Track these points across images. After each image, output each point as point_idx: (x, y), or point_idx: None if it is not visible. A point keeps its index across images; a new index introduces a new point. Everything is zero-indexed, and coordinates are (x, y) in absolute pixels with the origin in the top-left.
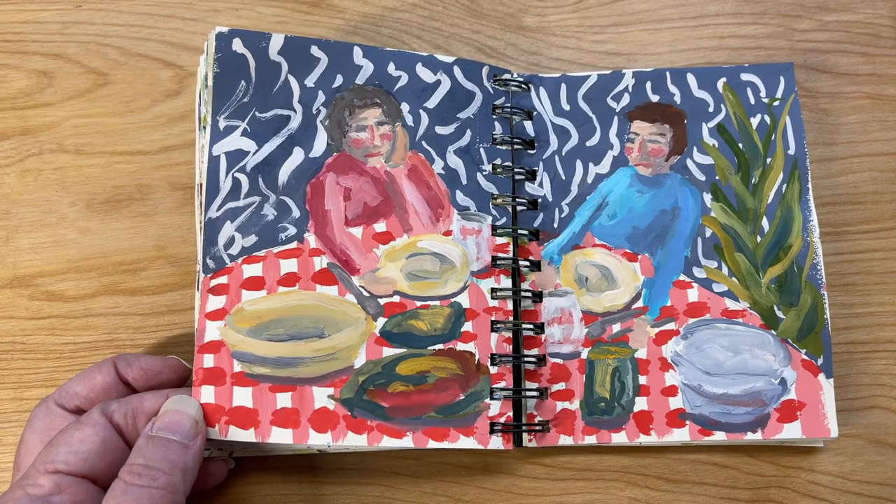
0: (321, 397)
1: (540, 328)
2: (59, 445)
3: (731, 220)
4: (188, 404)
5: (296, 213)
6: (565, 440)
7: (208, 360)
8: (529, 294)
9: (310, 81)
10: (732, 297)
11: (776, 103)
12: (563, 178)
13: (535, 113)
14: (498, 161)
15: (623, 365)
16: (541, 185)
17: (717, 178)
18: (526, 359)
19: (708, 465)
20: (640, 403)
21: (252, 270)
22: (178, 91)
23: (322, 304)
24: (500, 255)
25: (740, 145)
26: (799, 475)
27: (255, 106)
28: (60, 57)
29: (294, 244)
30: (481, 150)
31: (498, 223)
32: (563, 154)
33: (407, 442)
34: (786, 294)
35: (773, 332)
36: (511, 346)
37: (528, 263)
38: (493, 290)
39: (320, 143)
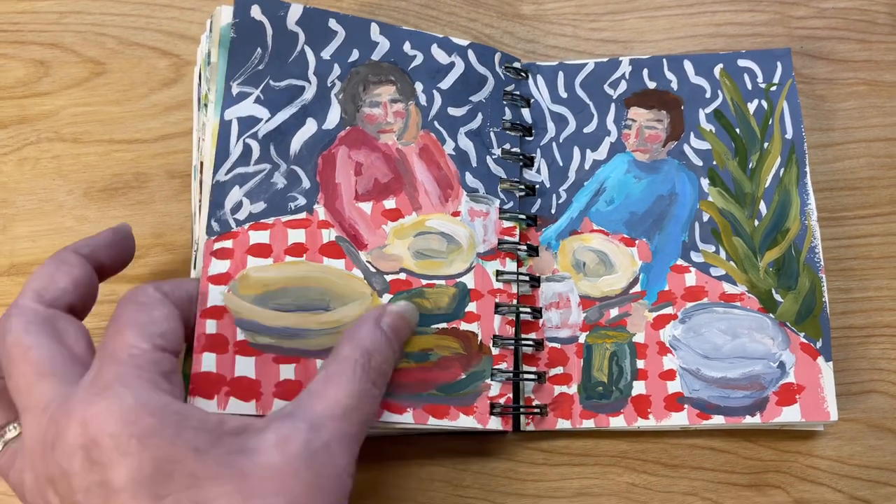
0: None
1: (538, 313)
2: (147, 325)
3: (729, 205)
4: (413, 316)
5: (306, 183)
6: (563, 424)
7: (210, 326)
8: (527, 279)
9: (326, 54)
10: (730, 281)
11: (773, 88)
12: (561, 164)
13: (532, 100)
14: (507, 146)
15: (621, 349)
16: (538, 171)
17: (714, 163)
18: (524, 343)
19: (706, 450)
20: (638, 387)
21: (259, 237)
22: (176, 80)
23: (329, 276)
24: (506, 237)
25: (737, 130)
26: (797, 459)
27: (270, 74)
28: (57, 46)
29: (303, 214)
30: (492, 133)
31: (505, 206)
32: (561, 141)
33: (407, 418)
34: (784, 277)
35: (771, 315)
36: (513, 329)
37: (525, 248)
38: (498, 272)
39: (333, 116)
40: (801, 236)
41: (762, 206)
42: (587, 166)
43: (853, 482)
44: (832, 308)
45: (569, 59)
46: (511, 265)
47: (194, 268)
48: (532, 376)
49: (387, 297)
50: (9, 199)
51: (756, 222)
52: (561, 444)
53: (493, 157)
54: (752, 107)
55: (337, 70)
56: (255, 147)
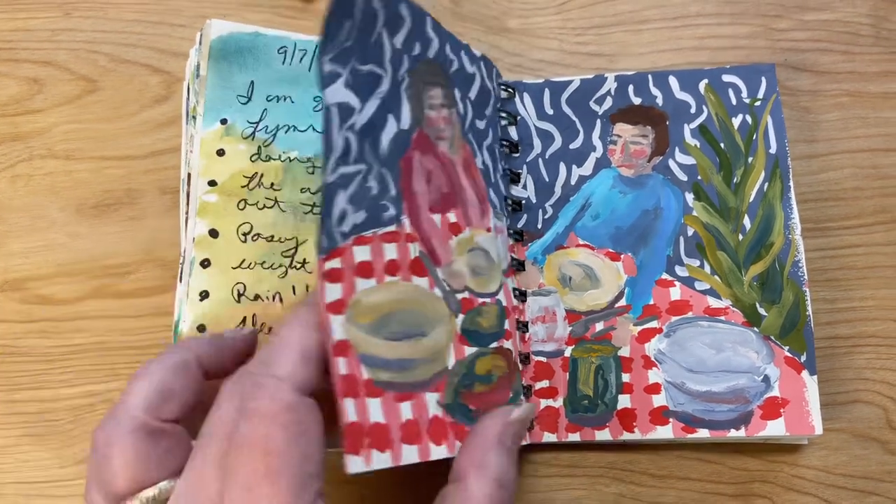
0: (432, 404)
1: (524, 327)
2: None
3: (714, 219)
4: (531, 414)
5: (392, 190)
6: (549, 437)
7: (342, 366)
8: (517, 293)
9: (398, 42)
10: (715, 295)
11: (757, 103)
12: (547, 180)
13: (518, 117)
14: (503, 163)
15: (606, 363)
16: (524, 187)
17: (699, 177)
18: None
19: (693, 460)
20: (624, 401)
21: (363, 253)
22: (167, 97)
23: (420, 297)
24: (512, 255)
25: (722, 145)
26: (783, 469)
27: (356, 54)
28: (50, 64)
29: (393, 227)
30: (496, 149)
31: (508, 223)
32: (547, 157)
33: None
34: (768, 291)
35: (755, 329)
36: (524, 345)
37: (514, 264)
38: (514, 289)
39: (406, 115)
40: (784, 250)
41: (746, 221)
42: (573, 182)
43: (839, 492)
44: (817, 318)
45: (555, 72)
46: (513, 282)
47: (180, 281)
48: (525, 390)
49: (461, 317)
50: (2, 216)
51: (740, 237)
52: (549, 456)
53: (499, 173)
54: (736, 122)
55: (406, 63)
56: (354, 142)
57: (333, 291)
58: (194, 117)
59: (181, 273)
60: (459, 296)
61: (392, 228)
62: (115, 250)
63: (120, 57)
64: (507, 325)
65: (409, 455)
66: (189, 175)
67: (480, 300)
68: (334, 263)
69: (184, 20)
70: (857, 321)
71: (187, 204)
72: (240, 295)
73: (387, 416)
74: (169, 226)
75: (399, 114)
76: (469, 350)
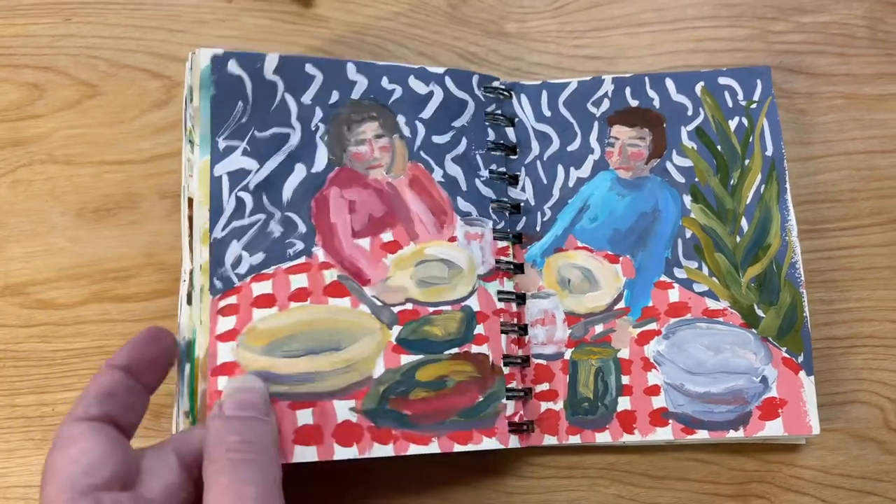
0: (343, 410)
1: (524, 329)
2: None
3: (711, 221)
4: (254, 382)
5: (302, 228)
6: (549, 440)
7: (223, 383)
8: (511, 297)
9: (306, 98)
10: (713, 297)
11: (753, 106)
12: (545, 182)
13: (516, 120)
14: (493, 166)
15: (606, 365)
16: (523, 189)
17: (696, 179)
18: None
19: (691, 461)
20: (624, 403)
21: (261, 288)
22: (167, 101)
23: (335, 316)
24: (502, 258)
25: (719, 147)
26: (781, 469)
27: (254, 125)
28: (51, 69)
29: (303, 259)
30: (477, 156)
31: (498, 227)
32: (545, 159)
33: (433, 447)
34: (765, 293)
35: (753, 330)
36: (518, 348)
37: (511, 266)
38: (499, 292)
39: (321, 159)
40: (781, 252)
41: (743, 223)
42: (571, 184)
43: (837, 492)
44: (814, 319)
45: (552, 75)
46: (509, 284)
47: (189, 303)
48: (519, 392)
49: (396, 328)
50: (2, 220)
51: (738, 238)
52: (548, 458)
53: (482, 178)
54: (733, 124)
55: (319, 113)
56: (248, 199)
57: (225, 324)
58: (191, 141)
59: (188, 295)
60: (396, 308)
61: (301, 261)
62: (115, 254)
63: (119, 62)
64: (479, 330)
65: (304, 454)
66: (190, 199)
67: (432, 309)
68: (230, 300)
69: (183, 25)
70: (854, 322)
71: (190, 229)
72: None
73: (280, 422)
74: (169, 230)
75: (312, 159)
76: (408, 358)
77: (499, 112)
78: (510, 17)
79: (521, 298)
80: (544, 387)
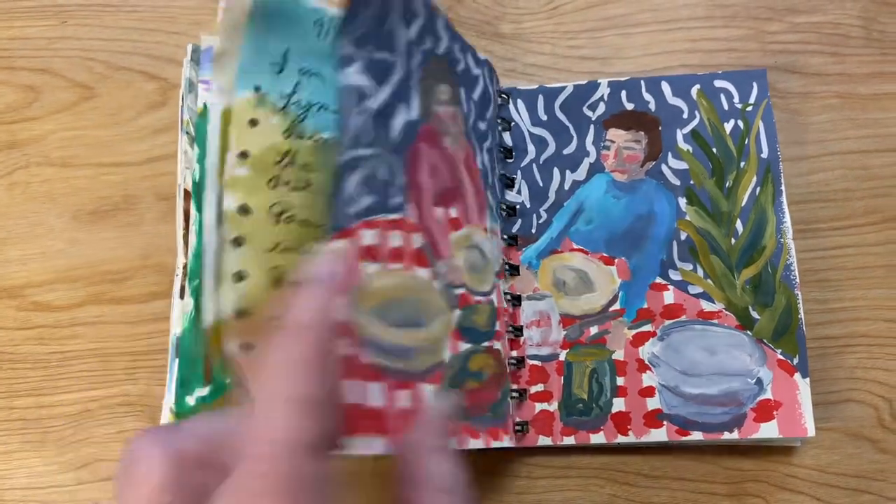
0: (429, 395)
1: (519, 331)
2: None
3: (706, 224)
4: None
5: (400, 178)
6: (544, 441)
7: (343, 347)
8: (509, 298)
9: (411, 34)
10: (708, 299)
11: (749, 108)
12: (541, 185)
13: (512, 123)
14: (499, 167)
15: (601, 366)
16: (518, 192)
17: (691, 182)
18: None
19: (686, 461)
20: (618, 404)
21: (370, 237)
22: (163, 103)
23: (421, 287)
24: (506, 259)
25: (714, 150)
26: (776, 469)
27: (371, 40)
28: (47, 71)
29: (399, 214)
30: (495, 153)
31: (502, 228)
32: (541, 162)
33: (480, 443)
34: (760, 295)
35: (748, 332)
36: (512, 348)
37: (507, 268)
38: (505, 292)
39: (415, 107)
40: (776, 254)
41: (739, 225)
42: (567, 187)
43: (832, 490)
44: (809, 319)
45: (548, 76)
46: (504, 286)
47: (181, 297)
48: (514, 394)
49: (457, 312)
50: None
51: (733, 241)
52: (543, 458)
53: (496, 177)
54: (728, 127)
55: (418, 56)
56: (369, 125)
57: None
58: (188, 132)
59: (179, 288)
60: (457, 291)
61: (398, 216)
62: (112, 256)
63: (116, 64)
64: (497, 326)
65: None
66: (186, 191)
67: (476, 298)
68: (340, 244)
69: (178, 27)
70: (849, 321)
71: (186, 221)
72: (277, 280)
73: (385, 403)
74: (166, 231)
75: (409, 104)
76: (464, 345)
77: (501, 116)
78: (505, 18)
79: (516, 300)
80: (539, 388)
